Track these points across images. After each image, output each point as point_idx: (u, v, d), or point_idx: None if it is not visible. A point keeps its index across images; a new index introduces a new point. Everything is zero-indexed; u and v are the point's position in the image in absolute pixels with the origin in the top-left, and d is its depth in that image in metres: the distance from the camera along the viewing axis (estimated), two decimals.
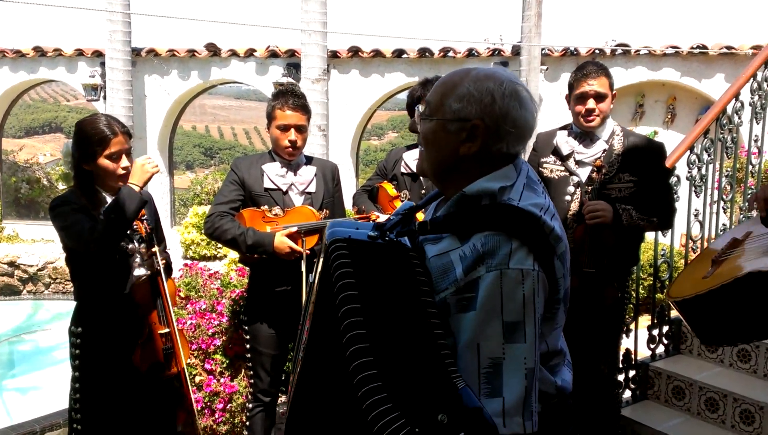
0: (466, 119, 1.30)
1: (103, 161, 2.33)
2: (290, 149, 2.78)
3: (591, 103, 2.73)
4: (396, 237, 1.29)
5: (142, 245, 2.42)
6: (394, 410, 1.02)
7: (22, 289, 8.60)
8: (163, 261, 2.48)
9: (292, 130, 2.76)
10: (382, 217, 2.72)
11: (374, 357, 1.06)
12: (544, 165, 2.90)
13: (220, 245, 8.03)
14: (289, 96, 2.80)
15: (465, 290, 1.20)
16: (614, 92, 2.83)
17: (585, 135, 2.81)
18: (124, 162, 2.37)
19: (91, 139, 2.31)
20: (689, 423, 3.16)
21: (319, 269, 1.30)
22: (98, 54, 9.37)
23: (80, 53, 9.57)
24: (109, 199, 2.37)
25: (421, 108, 1.42)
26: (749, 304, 1.90)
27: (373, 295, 1.14)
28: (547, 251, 1.24)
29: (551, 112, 7.88)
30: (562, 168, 2.84)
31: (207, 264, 3.78)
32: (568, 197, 2.77)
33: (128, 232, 2.39)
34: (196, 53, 9.25)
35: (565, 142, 2.86)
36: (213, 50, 9.19)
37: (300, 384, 1.29)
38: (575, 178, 2.78)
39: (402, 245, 1.27)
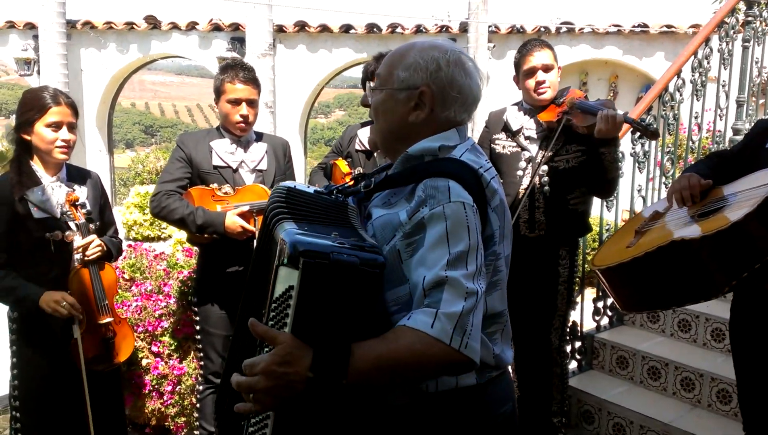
0: (414, 87, 1.36)
1: (41, 129, 2.21)
2: (242, 124, 2.70)
3: (540, 75, 2.76)
4: (343, 197, 1.40)
5: (78, 233, 2.30)
6: (295, 225, 1.21)
7: None
8: (102, 247, 2.36)
9: (244, 104, 2.68)
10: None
11: (291, 216, 1.25)
12: (496, 141, 2.93)
13: (165, 225, 7.84)
14: (239, 69, 2.71)
15: (412, 234, 1.25)
16: (559, 66, 2.86)
17: (534, 111, 2.84)
18: (64, 133, 2.24)
19: (30, 106, 2.21)
20: (633, 391, 3.28)
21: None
22: (31, 26, 8.93)
23: (11, 25, 9.10)
24: (45, 179, 2.25)
25: (372, 83, 1.44)
26: (669, 270, 1.97)
27: (301, 207, 1.30)
28: (481, 197, 1.29)
29: (498, 89, 7.94)
30: (514, 144, 2.87)
31: (151, 245, 3.67)
32: (519, 172, 2.81)
33: (61, 219, 2.28)
34: (135, 26, 8.91)
35: (514, 118, 2.90)
36: (153, 23, 8.87)
37: (234, 340, 1.31)
38: (526, 154, 2.81)
39: (338, 198, 1.39)
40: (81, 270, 2.31)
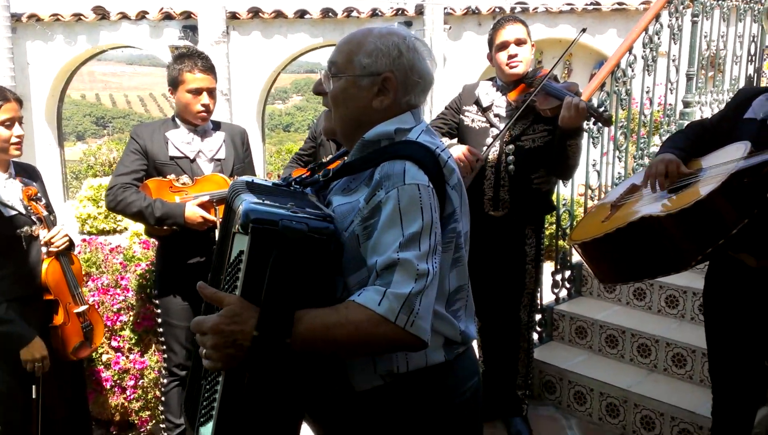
0: (377, 73, 1.36)
1: None
2: (204, 114, 2.66)
3: (512, 49, 2.75)
4: (301, 187, 1.41)
5: (41, 227, 2.28)
6: (253, 197, 1.27)
7: None
8: (68, 237, 2.35)
9: (205, 93, 2.64)
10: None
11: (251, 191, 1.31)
12: (466, 113, 2.93)
13: (120, 218, 7.67)
14: (197, 58, 2.66)
15: (369, 217, 1.26)
16: (533, 43, 2.85)
17: (506, 88, 2.84)
18: (18, 129, 2.22)
19: None
20: (592, 359, 3.37)
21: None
22: None
23: None
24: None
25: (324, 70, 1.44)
26: (640, 245, 2.02)
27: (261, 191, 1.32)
28: (439, 177, 1.31)
29: (455, 71, 7.97)
30: (483, 119, 2.87)
31: (107, 238, 3.59)
32: (485, 148, 2.81)
33: (27, 214, 2.24)
34: (82, 17, 8.66)
35: (485, 94, 2.89)
36: (101, 13, 8.64)
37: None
38: (494, 130, 2.81)
39: (298, 188, 1.41)
40: (53, 261, 2.31)
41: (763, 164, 1.89)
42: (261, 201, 1.22)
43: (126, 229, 7.55)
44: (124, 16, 8.64)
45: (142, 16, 8.62)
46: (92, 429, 2.79)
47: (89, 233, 7.94)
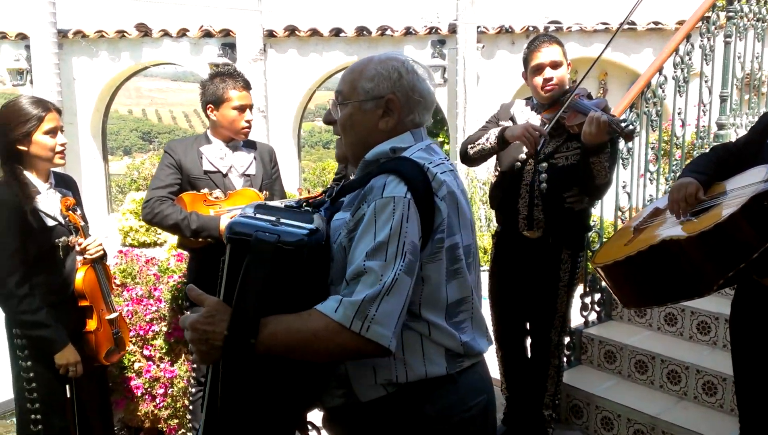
0: (380, 96, 1.43)
1: (41, 137, 2.27)
2: (247, 129, 2.79)
3: (548, 72, 2.75)
4: (310, 208, 1.47)
5: (78, 237, 2.38)
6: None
7: None
8: (102, 246, 2.44)
9: (248, 110, 2.76)
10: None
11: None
12: None
13: (160, 231, 7.86)
14: (237, 76, 2.79)
15: (353, 229, 1.33)
16: (569, 62, 2.85)
17: (541, 107, 2.84)
18: (61, 138, 2.33)
19: (23, 117, 2.24)
20: (621, 385, 3.31)
21: None
22: (23, 36, 8.93)
23: (3, 36, 9.12)
24: (41, 187, 2.30)
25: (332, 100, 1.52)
26: (662, 269, 2.02)
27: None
28: (424, 190, 1.33)
29: (488, 89, 7.99)
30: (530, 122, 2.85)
31: (147, 251, 3.70)
32: (518, 164, 2.82)
33: (65, 225, 2.34)
34: (126, 34, 8.94)
35: (520, 112, 2.91)
36: (144, 30, 8.90)
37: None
38: (526, 149, 2.79)
39: (308, 210, 1.46)
40: (88, 269, 2.40)
41: None
42: (252, 215, 1.33)
43: (165, 241, 7.73)
44: (166, 34, 8.90)
45: (183, 33, 8.87)
46: (115, 431, 2.88)
47: (131, 245, 8.15)
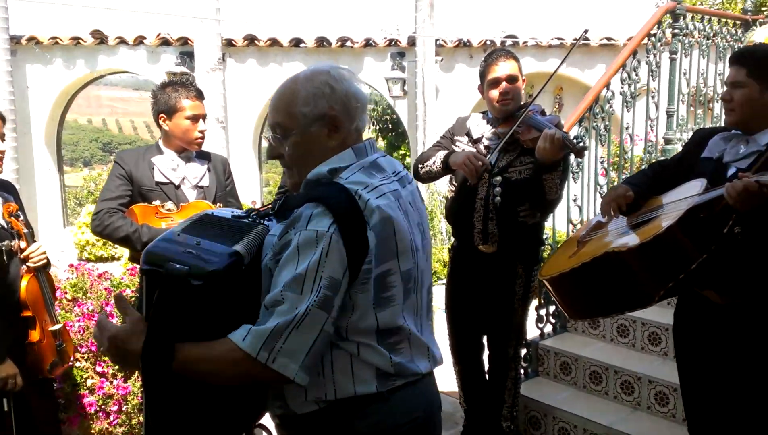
0: (321, 115, 1.42)
1: None
2: (201, 139, 2.76)
3: (504, 87, 2.78)
4: (257, 217, 1.47)
5: (20, 242, 2.32)
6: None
7: None
8: (46, 254, 2.39)
9: (201, 120, 2.74)
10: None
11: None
12: (457, 143, 2.97)
13: (117, 245, 7.71)
14: (189, 85, 2.77)
15: (278, 253, 1.33)
16: (524, 77, 2.89)
17: (497, 121, 2.87)
18: (1, 145, 2.28)
19: None
20: (576, 396, 3.38)
21: None
22: None
23: None
24: None
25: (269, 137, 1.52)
26: (605, 280, 2.07)
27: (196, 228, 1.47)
28: (353, 221, 1.33)
29: (447, 102, 8.07)
30: (473, 150, 2.88)
31: (103, 265, 3.63)
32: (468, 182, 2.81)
33: (8, 229, 2.28)
34: (81, 41, 8.75)
35: (476, 126, 2.94)
36: (99, 38, 8.73)
37: None
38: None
39: (252, 221, 1.47)
40: (32, 278, 2.34)
41: (716, 200, 1.95)
42: (174, 237, 1.38)
43: (122, 256, 7.59)
44: (122, 41, 8.75)
45: (140, 41, 8.74)
46: None
47: (87, 259, 7.98)
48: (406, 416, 1.43)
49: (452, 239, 3.13)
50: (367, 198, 1.36)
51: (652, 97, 4.09)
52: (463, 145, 2.95)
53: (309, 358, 1.29)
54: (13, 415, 2.28)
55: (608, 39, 8.13)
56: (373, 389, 1.38)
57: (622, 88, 3.83)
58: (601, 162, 3.81)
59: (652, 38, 3.98)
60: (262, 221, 1.46)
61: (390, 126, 10.40)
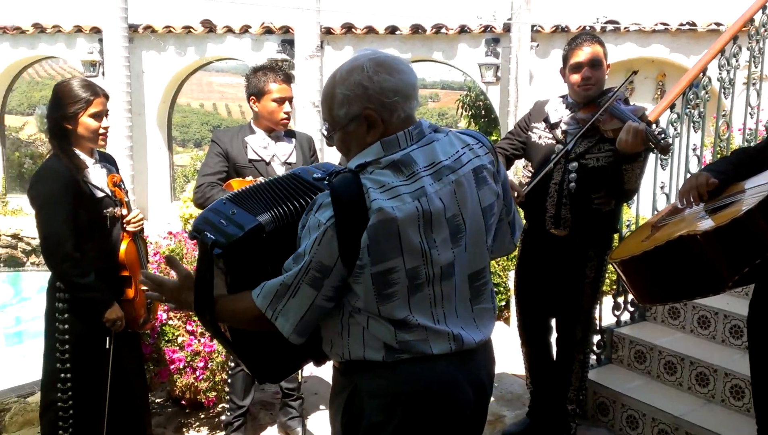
0: (357, 115, 1.48)
1: (86, 120, 2.44)
2: (286, 120, 2.94)
3: (586, 72, 2.75)
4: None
5: (122, 209, 2.57)
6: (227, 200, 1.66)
7: (25, 261, 8.80)
8: (142, 221, 2.63)
9: (287, 102, 2.91)
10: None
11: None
12: (534, 130, 2.96)
13: None
14: (278, 70, 2.94)
15: (303, 227, 1.50)
16: (608, 63, 2.84)
17: (577, 106, 2.84)
18: (105, 122, 2.50)
19: (75, 99, 2.42)
20: (648, 385, 3.32)
21: None
22: (96, 30, 9.44)
23: (79, 30, 9.65)
24: (88, 162, 2.49)
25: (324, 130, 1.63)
26: (677, 264, 2.04)
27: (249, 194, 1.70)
28: (352, 218, 1.40)
29: (541, 88, 7.94)
30: (550, 135, 2.89)
31: None
32: (551, 165, 2.82)
33: (112, 198, 2.53)
34: (192, 30, 9.32)
35: (554, 110, 2.91)
36: (209, 26, 9.26)
37: None
38: (560, 147, 2.82)
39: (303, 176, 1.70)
40: (130, 242, 2.58)
41: None
42: (219, 206, 1.61)
43: None
44: (229, 30, 9.23)
45: (245, 30, 9.17)
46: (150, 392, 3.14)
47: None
48: (409, 386, 1.50)
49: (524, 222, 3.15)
50: (374, 198, 1.41)
51: (754, 84, 3.88)
52: (540, 131, 2.94)
53: (302, 323, 1.47)
54: (111, 351, 2.55)
55: (716, 24, 7.69)
56: (380, 358, 1.49)
57: (720, 74, 3.66)
58: (693, 149, 3.68)
59: (755, 23, 3.77)
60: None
61: (483, 112, 10.33)
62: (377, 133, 1.49)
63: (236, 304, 1.54)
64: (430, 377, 1.51)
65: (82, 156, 2.50)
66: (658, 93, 8.19)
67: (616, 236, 3.08)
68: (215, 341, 3.20)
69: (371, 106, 1.47)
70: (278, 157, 2.98)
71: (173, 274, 1.66)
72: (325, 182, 1.58)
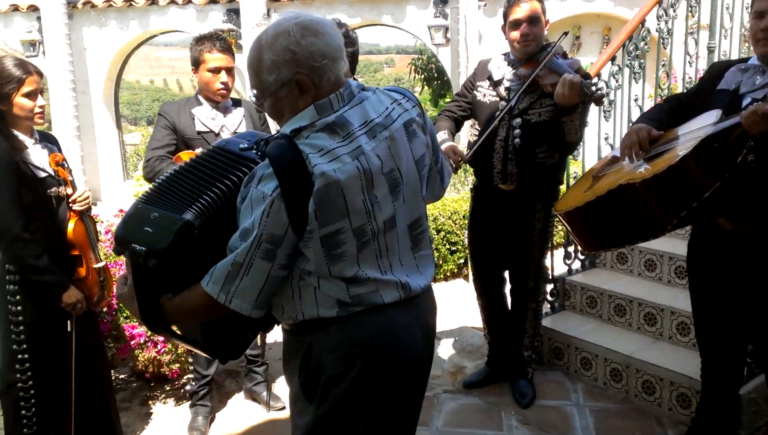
0: (287, 81, 1.47)
1: (20, 100, 2.38)
2: (223, 91, 2.88)
3: (525, 28, 2.80)
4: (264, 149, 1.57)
5: (67, 189, 2.53)
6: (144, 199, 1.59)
7: None
8: (89, 198, 2.61)
9: (223, 71, 2.86)
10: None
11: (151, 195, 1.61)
12: (479, 88, 3.02)
13: None
14: (215, 39, 2.88)
15: (241, 201, 1.47)
16: (547, 18, 2.90)
17: (518, 62, 2.90)
18: (40, 101, 2.43)
19: (7, 79, 2.35)
20: (600, 328, 3.47)
21: None
22: (34, 8, 9.11)
23: (15, 8, 9.30)
24: (27, 142, 2.44)
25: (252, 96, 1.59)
26: (619, 212, 2.13)
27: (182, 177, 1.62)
28: (296, 186, 1.41)
29: (491, 47, 7.94)
30: (494, 93, 2.95)
31: None
32: (495, 122, 2.88)
33: (55, 177, 2.49)
34: (133, 3, 9.04)
35: (497, 68, 2.97)
36: None
37: None
38: (503, 104, 2.88)
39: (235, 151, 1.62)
40: (78, 221, 2.54)
41: (731, 129, 1.98)
42: (135, 211, 1.56)
43: None
44: (172, 1, 8.97)
45: (188, 1, 8.94)
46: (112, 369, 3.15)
47: None
48: (365, 335, 1.54)
49: (473, 179, 3.22)
50: (314, 163, 1.42)
51: (692, 33, 3.99)
52: (484, 89, 2.99)
53: (261, 297, 1.48)
54: (74, 335, 2.55)
55: None
56: (334, 314, 1.53)
57: (658, 24, 3.75)
58: (635, 100, 3.78)
59: None
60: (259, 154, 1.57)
61: (435, 74, 10.33)
62: (310, 98, 1.48)
63: (185, 302, 1.51)
64: (385, 325, 1.57)
65: (21, 136, 2.44)
66: (605, 47, 8.29)
67: (563, 188, 3.17)
68: None
69: (301, 70, 1.45)
70: (227, 127, 2.96)
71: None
72: (254, 152, 1.56)
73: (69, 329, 2.52)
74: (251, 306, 1.47)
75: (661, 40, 3.80)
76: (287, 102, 1.50)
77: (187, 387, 3.29)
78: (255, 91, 1.54)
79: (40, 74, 2.47)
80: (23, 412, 2.49)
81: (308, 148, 1.44)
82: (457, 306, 4.17)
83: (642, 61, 3.70)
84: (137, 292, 1.50)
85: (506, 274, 3.25)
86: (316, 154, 1.43)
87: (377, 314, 1.56)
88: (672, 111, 2.36)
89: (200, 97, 2.95)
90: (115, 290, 1.64)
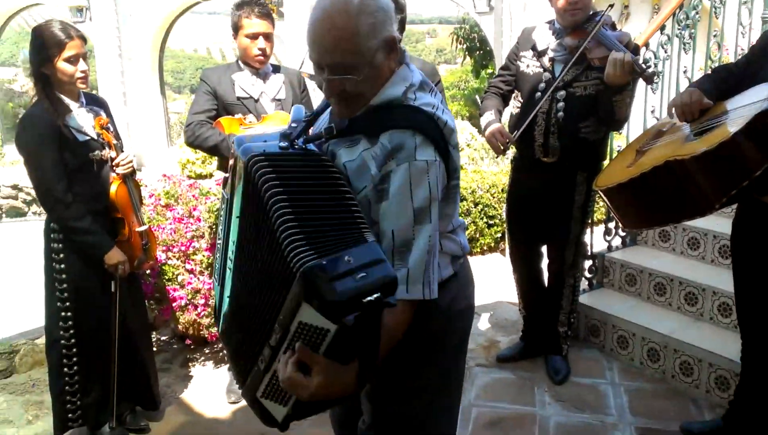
0: (385, 41, 1.35)
1: (62, 64, 2.41)
2: (261, 57, 2.87)
3: None
4: (304, 144, 1.40)
5: (111, 152, 2.58)
6: (310, 250, 1.14)
7: (27, 211, 8.87)
8: (132, 163, 2.65)
9: (261, 37, 2.85)
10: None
11: (302, 232, 1.18)
12: (522, 59, 2.95)
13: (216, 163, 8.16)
14: (254, 5, 2.87)
15: (380, 183, 1.34)
16: None
17: (563, 32, 2.81)
18: (82, 65, 2.45)
19: (48, 42, 2.38)
20: (639, 306, 3.41)
21: (239, 185, 1.39)
22: None
23: None
24: (72, 106, 2.48)
25: (310, 74, 1.48)
26: (665, 189, 2.05)
27: (298, 195, 1.25)
28: (444, 143, 1.38)
29: (536, 16, 7.76)
30: (538, 64, 2.87)
31: (201, 182, 3.93)
32: (539, 94, 2.82)
33: (99, 140, 2.54)
34: None
35: (542, 38, 2.88)
36: None
37: (236, 283, 1.43)
38: (547, 75, 2.82)
39: (313, 151, 1.41)
40: (120, 184, 2.59)
41: None
42: (322, 266, 1.13)
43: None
44: None
45: None
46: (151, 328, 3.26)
47: (188, 177, 8.50)
48: (468, 288, 1.64)
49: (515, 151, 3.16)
50: (445, 119, 1.39)
51: (745, 2, 3.81)
52: (527, 60, 2.91)
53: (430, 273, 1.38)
54: (117, 295, 2.63)
55: None
56: (451, 271, 1.56)
57: None
58: (684, 71, 3.65)
59: None
60: (305, 146, 1.41)
61: (478, 44, 10.12)
62: (396, 56, 1.40)
63: (390, 325, 1.28)
64: (468, 269, 1.68)
65: (67, 100, 2.48)
66: (654, 16, 8.02)
67: (605, 163, 3.09)
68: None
69: (391, 27, 1.36)
70: (267, 93, 2.97)
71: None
72: (296, 147, 1.38)
73: (113, 290, 2.59)
74: (437, 286, 1.41)
75: (713, 10, 3.66)
76: (384, 67, 1.38)
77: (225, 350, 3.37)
78: (340, 70, 1.33)
79: (83, 39, 2.49)
80: (65, 369, 2.59)
81: (427, 107, 1.39)
82: (493, 280, 4.14)
83: (693, 31, 3.56)
84: (365, 348, 1.21)
85: (544, 248, 3.21)
86: (438, 111, 1.40)
87: (467, 261, 1.65)
88: (721, 81, 2.25)
89: (240, 63, 2.96)
90: (287, 381, 1.20)
